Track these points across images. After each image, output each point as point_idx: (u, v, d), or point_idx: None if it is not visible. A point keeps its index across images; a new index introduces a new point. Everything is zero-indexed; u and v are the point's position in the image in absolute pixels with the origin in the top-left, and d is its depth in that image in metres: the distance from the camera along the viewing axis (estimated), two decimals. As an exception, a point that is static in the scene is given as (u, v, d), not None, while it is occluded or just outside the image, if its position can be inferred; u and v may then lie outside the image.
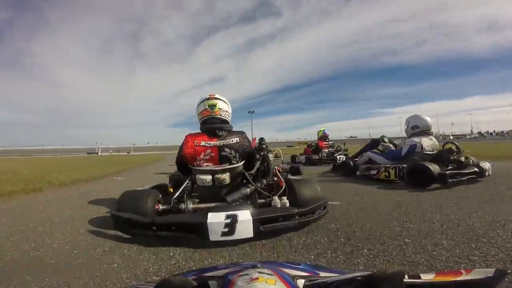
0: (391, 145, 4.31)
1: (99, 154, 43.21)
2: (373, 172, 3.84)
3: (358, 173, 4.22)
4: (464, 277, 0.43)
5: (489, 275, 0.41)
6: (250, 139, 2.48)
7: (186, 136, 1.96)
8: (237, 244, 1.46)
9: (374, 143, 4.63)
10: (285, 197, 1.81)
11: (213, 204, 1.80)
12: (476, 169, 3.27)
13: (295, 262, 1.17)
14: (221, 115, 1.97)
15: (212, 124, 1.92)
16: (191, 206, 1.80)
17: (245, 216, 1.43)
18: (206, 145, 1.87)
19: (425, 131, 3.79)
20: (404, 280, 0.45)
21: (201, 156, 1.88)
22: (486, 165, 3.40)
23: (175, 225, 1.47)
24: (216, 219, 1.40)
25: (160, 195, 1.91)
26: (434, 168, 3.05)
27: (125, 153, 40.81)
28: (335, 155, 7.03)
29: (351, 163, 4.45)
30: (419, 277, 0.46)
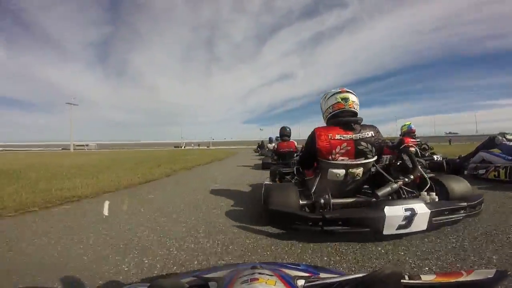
0: (508, 143, 3.61)
1: (183, 147, 49.82)
2: (482, 171, 3.43)
3: (465, 172, 3.75)
4: (464, 278, 0.43)
5: (490, 276, 0.41)
6: None
7: (315, 130, 1.87)
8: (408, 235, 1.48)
9: (490, 142, 3.94)
10: (434, 193, 1.73)
11: (350, 200, 1.82)
12: None
13: (295, 262, 1.17)
14: (354, 108, 1.89)
15: (347, 117, 1.84)
16: (332, 200, 1.73)
17: (422, 209, 1.43)
18: (342, 138, 1.78)
19: None
20: (405, 281, 0.44)
21: (337, 150, 1.79)
22: None
23: (344, 220, 1.45)
24: (394, 212, 1.40)
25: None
26: None
27: (205, 147, 45.43)
28: (426, 155, 5.61)
29: (458, 162, 4.04)
30: (420, 278, 0.46)
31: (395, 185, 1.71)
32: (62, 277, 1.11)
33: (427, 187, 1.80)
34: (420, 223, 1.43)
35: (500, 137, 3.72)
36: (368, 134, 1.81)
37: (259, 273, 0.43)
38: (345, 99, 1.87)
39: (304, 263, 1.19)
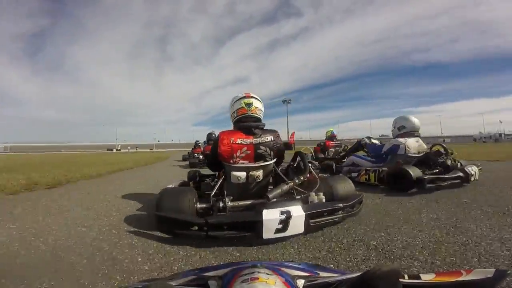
0: (377, 142, 4.13)
1: (118, 150, 46.46)
2: (354, 174, 3.68)
3: (340, 175, 3.81)
4: (464, 277, 0.43)
5: (489, 276, 0.41)
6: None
7: (220, 134, 1.96)
8: (285, 240, 1.45)
9: (358, 145, 4.46)
10: (321, 193, 1.78)
11: (249, 202, 1.82)
12: (461, 173, 3.05)
13: (295, 262, 1.17)
14: (257, 114, 2.00)
15: (248, 123, 1.95)
16: (230, 204, 1.73)
17: (298, 211, 1.41)
18: (243, 142, 1.88)
19: (412, 132, 3.61)
20: (404, 280, 0.45)
21: (238, 154, 1.88)
22: (472, 169, 3.18)
23: (228, 224, 1.42)
24: (270, 216, 1.36)
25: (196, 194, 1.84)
26: (415, 172, 2.85)
27: (149, 150, 43.55)
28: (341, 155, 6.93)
29: (333, 166, 4.40)
30: (419, 278, 0.46)
31: (285, 186, 1.74)
32: (61, 278, 1.11)
33: (316, 187, 1.86)
34: (297, 226, 1.40)
35: (366, 140, 4.21)
36: (267, 139, 1.92)
37: (259, 272, 0.43)
38: (248, 105, 1.97)
39: (304, 262, 1.19)
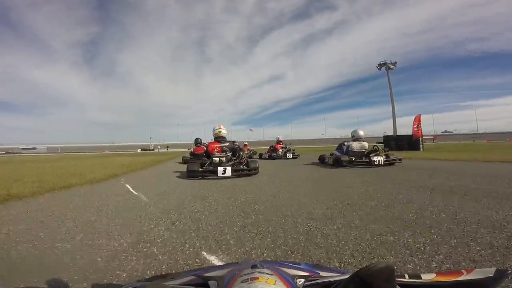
0: (343, 146, 7.41)
1: (152, 150, 54.77)
2: (327, 160, 7.75)
3: (325, 161, 7.92)
4: (464, 277, 0.43)
5: (490, 275, 0.41)
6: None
7: (209, 142, 6.04)
8: (226, 178, 5.15)
9: (340, 145, 7.60)
10: (245, 166, 5.76)
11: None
12: (367, 160, 6.49)
13: (295, 261, 1.17)
14: (222, 134, 6.08)
15: (219, 138, 6.04)
16: (211, 167, 5.47)
17: (229, 168, 5.28)
18: (216, 146, 5.85)
19: (357, 138, 6.97)
20: (405, 280, 0.44)
21: (215, 150, 5.80)
22: (378, 158, 6.42)
23: (208, 171, 5.29)
24: (220, 168, 5.23)
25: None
26: (343, 158, 6.51)
27: (185, 149, 47.42)
28: (286, 153, 11.96)
29: (324, 156, 8.22)
30: (420, 277, 0.46)
31: (230, 163, 5.88)
32: (59, 278, 1.12)
33: (244, 163, 6.01)
34: (229, 173, 5.22)
35: (345, 142, 7.37)
36: (226, 144, 5.91)
37: (259, 272, 0.43)
38: (219, 131, 6.09)
39: (304, 262, 1.19)
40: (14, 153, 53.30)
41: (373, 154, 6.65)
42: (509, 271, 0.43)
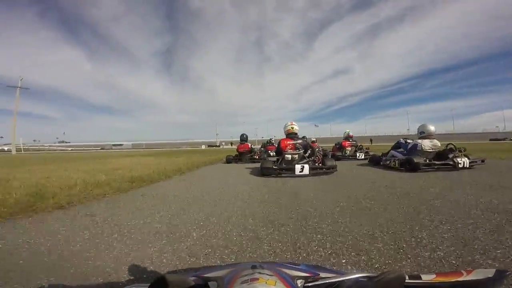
0: (409, 141, 6.08)
1: (220, 146, 58.01)
2: (387, 162, 6.09)
3: (381, 163, 6.44)
4: (464, 277, 0.43)
5: (490, 276, 0.41)
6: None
7: (281, 139, 5.55)
8: (303, 177, 4.62)
9: (397, 144, 6.54)
10: (321, 164, 5.19)
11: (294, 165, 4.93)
12: (451, 162, 4.96)
13: (295, 262, 1.17)
14: (295, 131, 5.60)
15: (291, 134, 5.55)
16: (284, 165, 4.95)
17: (306, 166, 4.77)
18: (289, 143, 5.37)
19: (428, 136, 5.49)
20: (405, 280, 0.44)
21: (288, 147, 5.33)
22: (463, 159, 5.01)
23: (284, 169, 4.83)
24: (298, 166, 4.76)
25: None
26: (417, 159, 4.99)
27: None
28: (356, 153, 9.09)
29: (378, 157, 6.77)
30: (420, 278, 0.46)
31: (305, 160, 5.28)
32: (59, 279, 1.11)
33: (319, 162, 5.46)
34: (306, 171, 4.73)
35: (402, 140, 6.40)
36: (299, 141, 5.42)
37: (259, 273, 0.43)
38: (292, 127, 5.64)
39: (304, 262, 1.19)
40: (106, 149, 64.94)
41: (451, 154, 5.16)
42: (509, 272, 0.43)
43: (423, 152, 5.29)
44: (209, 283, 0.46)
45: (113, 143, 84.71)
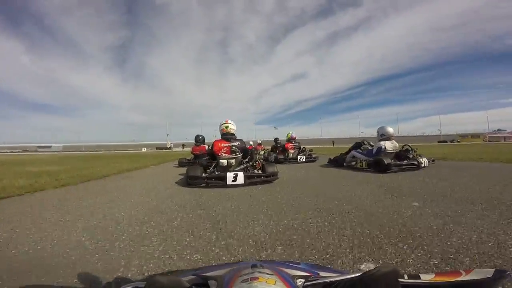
0: (369, 147, 6.34)
1: (170, 148, 53.14)
2: (353, 163, 6.28)
3: (344, 164, 6.54)
4: (463, 277, 0.43)
5: (489, 276, 0.41)
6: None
7: (214, 141, 4.49)
8: (237, 186, 3.79)
9: (358, 145, 6.65)
10: (260, 171, 4.37)
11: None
12: (415, 162, 5.38)
13: (295, 261, 1.17)
14: (231, 131, 4.60)
15: (227, 135, 4.54)
16: (217, 173, 4.21)
17: (241, 174, 3.90)
18: (224, 145, 4.40)
19: (388, 137, 5.85)
20: (404, 280, 0.44)
21: (222, 151, 4.38)
22: (423, 159, 5.56)
23: (214, 177, 3.94)
24: (230, 174, 3.86)
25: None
26: (386, 160, 5.12)
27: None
28: (297, 156, 8.73)
29: (342, 158, 6.70)
30: (419, 277, 0.46)
31: (242, 166, 4.46)
32: (58, 279, 1.11)
33: (258, 168, 4.48)
34: (240, 180, 3.85)
35: (365, 143, 6.60)
36: (236, 143, 4.44)
37: (259, 272, 0.43)
38: (226, 127, 4.58)
39: (304, 262, 1.19)
40: (29, 152, 53.32)
41: (410, 154, 5.76)
42: (508, 272, 0.43)
43: (385, 153, 5.66)
44: (209, 282, 0.46)
45: (39, 144, 73.45)
